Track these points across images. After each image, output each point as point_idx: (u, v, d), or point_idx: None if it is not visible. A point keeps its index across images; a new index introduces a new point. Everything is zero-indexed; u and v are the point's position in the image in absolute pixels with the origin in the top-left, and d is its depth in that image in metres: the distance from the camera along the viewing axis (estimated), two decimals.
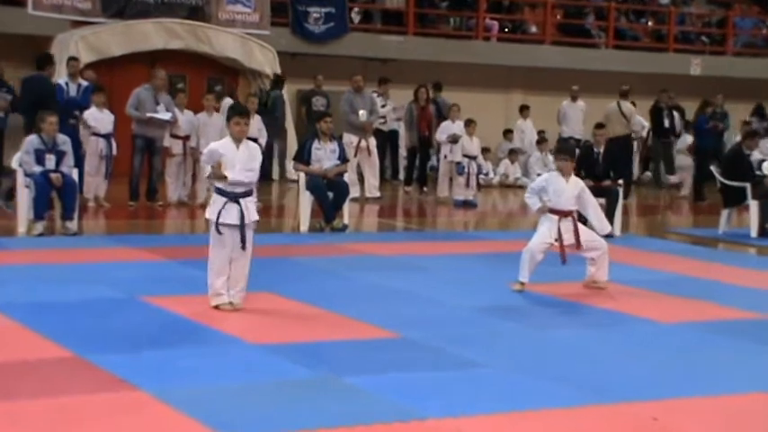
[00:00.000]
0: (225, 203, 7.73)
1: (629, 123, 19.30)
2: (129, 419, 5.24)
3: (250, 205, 7.82)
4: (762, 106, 22.69)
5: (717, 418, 5.68)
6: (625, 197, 19.04)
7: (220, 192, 7.80)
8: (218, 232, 7.75)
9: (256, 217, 7.89)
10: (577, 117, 20.62)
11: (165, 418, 5.27)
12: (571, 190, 9.22)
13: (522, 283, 9.06)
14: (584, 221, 11.42)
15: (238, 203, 7.74)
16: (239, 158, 7.76)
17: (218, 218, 7.71)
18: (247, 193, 7.83)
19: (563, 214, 9.14)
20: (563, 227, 9.09)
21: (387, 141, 19.47)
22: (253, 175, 7.85)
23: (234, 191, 7.77)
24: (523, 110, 21.43)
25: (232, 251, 7.78)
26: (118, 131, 14.83)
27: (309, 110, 19.36)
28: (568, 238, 9.08)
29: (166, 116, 14.63)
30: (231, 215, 7.73)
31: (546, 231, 9.10)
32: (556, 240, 9.05)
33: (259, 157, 7.97)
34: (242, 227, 7.73)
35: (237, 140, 7.84)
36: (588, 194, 9.42)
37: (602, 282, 9.36)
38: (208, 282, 7.84)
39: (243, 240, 7.75)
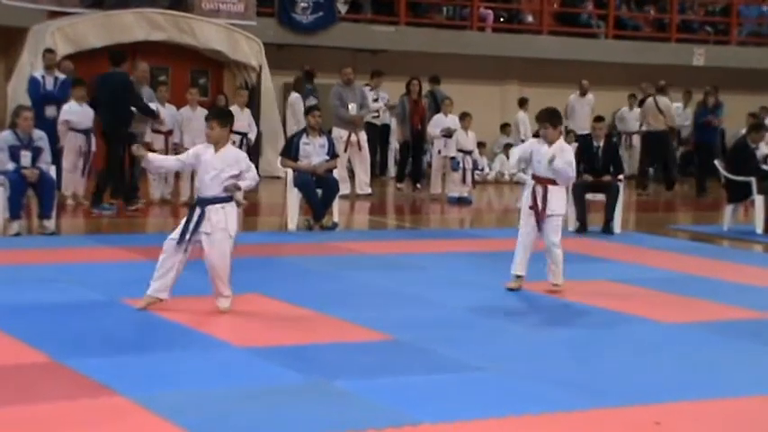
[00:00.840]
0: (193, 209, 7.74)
1: (666, 118, 18.99)
2: (109, 426, 5.17)
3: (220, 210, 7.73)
4: None
5: (721, 422, 5.61)
6: (670, 188, 19.09)
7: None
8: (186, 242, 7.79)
9: (230, 225, 7.75)
10: (585, 112, 19.86)
11: (148, 425, 5.20)
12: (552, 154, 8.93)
13: (519, 276, 8.91)
14: (584, 229, 10.91)
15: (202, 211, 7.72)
16: (213, 164, 7.70)
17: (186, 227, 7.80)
18: (215, 200, 7.72)
19: (539, 181, 8.93)
20: (537, 192, 8.89)
21: (379, 136, 19.06)
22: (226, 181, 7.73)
23: (202, 196, 7.74)
24: (523, 103, 20.92)
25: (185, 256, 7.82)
26: (96, 126, 14.40)
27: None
28: (538, 205, 8.90)
29: (154, 106, 14.30)
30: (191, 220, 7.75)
31: (526, 203, 8.96)
32: (530, 207, 8.89)
33: (240, 162, 7.84)
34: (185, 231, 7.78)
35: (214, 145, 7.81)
36: (565, 153, 8.99)
37: (558, 283, 9.01)
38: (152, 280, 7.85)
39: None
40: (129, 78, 14.09)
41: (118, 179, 13.88)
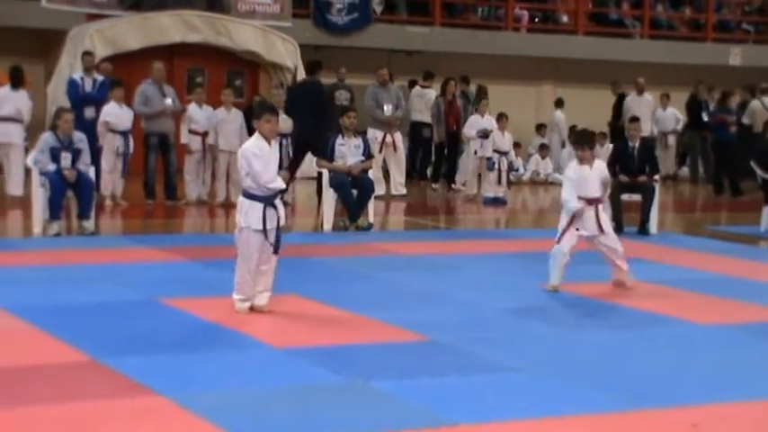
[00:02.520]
0: (264, 209, 7.52)
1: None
2: (148, 425, 5.18)
3: (280, 207, 7.67)
4: None
5: (758, 425, 5.55)
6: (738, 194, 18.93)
7: (254, 197, 7.54)
8: (269, 239, 7.57)
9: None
10: (645, 113, 18.94)
11: (185, 424, 5.21)
12: (595, 176, 9.04)
13: (555, 287, 8.92)
14: (620, 230, 10.99)
15: (274, 207, 7.58)
16: (274, 158, 7.63)
17: (264, 225, 7.52)
18: (276, 195, 7.68)
19: (587, 202, 8.94)
20: (586, 215, 8.91)
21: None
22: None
23: (269, 194, 7.56)
24: (560, 103, 20.80)
25: (261, 255, 7.62)
26: (132, 128, 14.61)
27: (333, 104, 18.92)
28: (591, 228, 8.92)
29: (170, 101, 14.51)
30: (272, 220, 7.56)
31: (570, 226, 8.92)
32: (578, 230, 8.90)
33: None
34: (278, 230, 7.58)
35: (267, 139, 7.64)
36: (604, 171, 9.24)
37: (628, 282, 9.15)
38: (235, 287, 7.68)
39: (278, 244, 7.59)
40: (323, 85, 15.12)
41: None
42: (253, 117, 7.86)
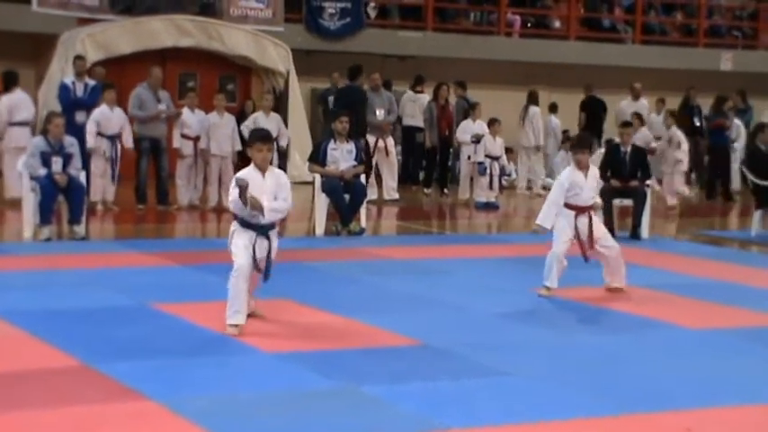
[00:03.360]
0: (255, 238, 7.23)
1: None
2: (139, 430, 5.20)
3: (274, 237, 7.37)
4: None
5: (752, 429, 5.58)
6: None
7: (246, 224, 7.26)
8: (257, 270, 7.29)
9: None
10: None
11: (177, 429, 5.22)
12: (590, 184, 9.05)
13: (549, 288, 8.91)
14: (612, 234, 10.97)
15: (267, 238, 7.29)
16: (266, 190, 7.25)
17: (253, 254, 7.22)
18: (273, 225, 7.37)
19: (580, 210, 8.95)
20: (579, 223, 8.90)
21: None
22: (284, 206, 7.36)
23: (261, 223, 7.26)
24: (554, 108, 20.69)
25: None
26: (125, 132, 14.51)
27: (326, 109, 18.95)
28: (584, 234, 8.92)
29: (164, 106, 14.51)
30: (261, 249, 7.27)
31: (566, 228, 8.90)
32: (573, 238, 8.90)
33: (287, 184, 7.43)
34: (268, 259, 7.29)
35: (262, 170, 7.32)
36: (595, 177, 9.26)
37: (620, 287, 9.16)
38: (229, 311, 7.27)
39: (267, 273, 7.34)
40: (365, 91, 15.44)
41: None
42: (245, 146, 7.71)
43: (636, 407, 5.71)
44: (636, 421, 5.53)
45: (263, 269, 7.29)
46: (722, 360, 6.97)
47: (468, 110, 17.70)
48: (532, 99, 19.29)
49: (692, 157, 20.09)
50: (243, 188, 7.04)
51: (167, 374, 6.14)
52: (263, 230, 7.24)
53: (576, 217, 8.90)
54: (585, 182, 8.97)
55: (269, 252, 7.26)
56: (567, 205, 8.93)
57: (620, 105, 19.31)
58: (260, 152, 7.27)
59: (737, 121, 19.71)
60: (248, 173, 7.25)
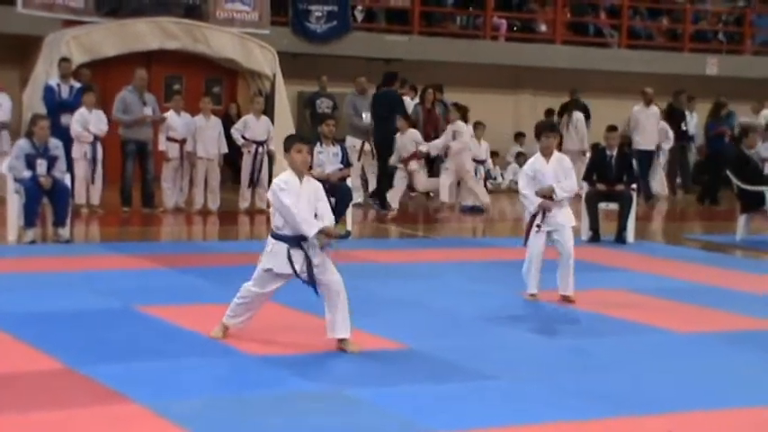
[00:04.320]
0: (288, 251, 6.80)
1: None
2: None
3: (313, 249, 6.84)
4: None
5: None
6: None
7: (279, 237, 6.85)
8: (312, 283, 6.85)
9: (320, 258, 6.92)
10: (652, 125, 18.42)
11: None
12: (553, 169, 8.92)
13: (534, 294, 8.91)
14: (597, 238, 10.95)
15: (302, 248, 6.80)
16: (305, 194, 6.86)
17: (293, 269, 6.81)
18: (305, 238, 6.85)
19: (543, 197, 8.88)
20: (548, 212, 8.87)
21: None
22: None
23: (297, 234, 6.79)
24: (550, 113, 20.60)
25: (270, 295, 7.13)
26: (110, 135, 14.56)
27: (314, 112, 18.96)
28: (551, 222, 8.86)
29: (149, 110, 14.47)
30: (297, 263, 6.81)
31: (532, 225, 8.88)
32: (537, 226, 8.84)
33: (322, 190, 7.04)
34: (310, 273, 6.81)
35: (300, 173, 6.92)
36: (564, 163, 9.06)
37: (569, 294, 8.97)
38: (229, 312, 7.14)
39: (314, 285, 6.84)
40: (399, 96, 16.07)
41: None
42: (284, 150, 7.09)
43: (620, 410, 5.71)
44: (620, 424, 5.53)
45: (308, 280, 6.82)
46: (707, 363, 6.98)
47: (445, 112, 17.82)
48: (574, 105, 19.54)
49: (678, 160, 20.20)
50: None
51: (152, 377, 6.12)
52: (296, 242, 6.79)
53: (541, 204, 8.83)
54: (548, 168, 8.88)
55: (309, 264, 6.79)
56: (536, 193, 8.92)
57: (633, 111, 18.60)
58: (300, 153, 6.84)
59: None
60: (288, 178, 6.86)
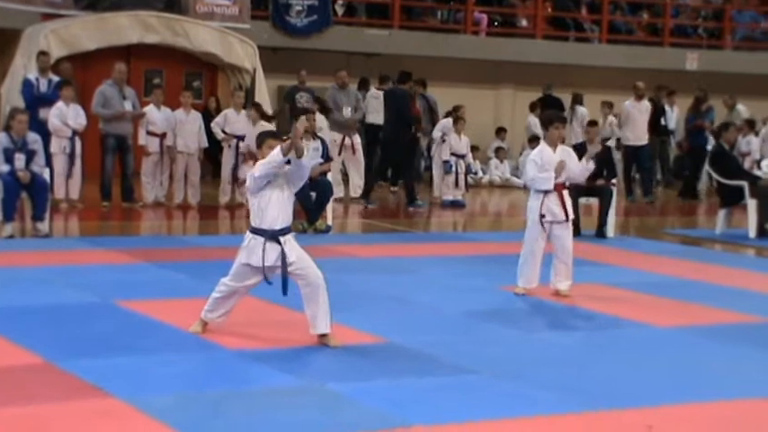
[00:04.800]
0: (264, 243, 6.80)
1: None
2: (102, 428, 5.14)
3: (290, 242, 6.87)
4: None
5: (713, 426, 5.60)
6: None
7: (257, 231, 6.83)
8: (266, 281, 6.90)
9: (297, 253, 6.90)
10: (643, 120, 18.18)
11: (140, 427, 5.18)
12: (560, 159, 8.88)
13: (527, 288, 8.89)
14: (578, 233, 10.94)
15: (279, 243, 6.80)
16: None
17: (263, 262, 6.80)
18: (286, 230, 6.88)
19: (548, 190, 8.82)
20: (548, 201, 8.79)
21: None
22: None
23: (273, 228, 6.81)
24: (534, 107, 20.58)
25: (249, 290, 7.13)
26: (89, 129, 14.44)
27: (293, 106, 18.89)
28: (555, 213, 8.79)
29: (129, 105, 14.42)
30: (269, 257, 6.80)
31: (535, 215, 8.78)
32: (542, 217, 8.76)
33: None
34: (284, 269, 6.82)
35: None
36: (572, 152, 9.12)
37: (565, 290, 8.97)
38: (207, 306, 7.13)
39: (284, 286, 6.85)
40: (409, 94, 16.08)
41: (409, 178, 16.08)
42: (256, 146, 7.15)
43: (599, 404, 5.72)
44: (599, 419, 5.54)
45: (269, 279, 6.87)
46: (686, 357, 6.99)
47: (428, 107, 17.91)
48: (577, 100, 19.73)
49: (658, 155, 20.26)
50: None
51: (131, 372, 6.10)
52: (272, 235, 6.79)
53: (544, 196, 8.80)
54: (555, 158, 8.82)
55: (283, 260, 6.79)
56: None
57: (624, 105, 18.55)
58: (271, 149, 6.76)
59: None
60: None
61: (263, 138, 7.05)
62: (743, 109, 20.38)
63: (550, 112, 9.77)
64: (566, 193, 8.92)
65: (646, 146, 18.34)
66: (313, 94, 18.85)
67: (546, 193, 8.78)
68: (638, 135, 18.14)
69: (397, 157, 16.24)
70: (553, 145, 8.89)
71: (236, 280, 7.00)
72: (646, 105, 18.36)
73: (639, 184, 18.46)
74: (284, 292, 6.87)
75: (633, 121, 18.14)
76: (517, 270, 8.93)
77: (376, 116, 18.28)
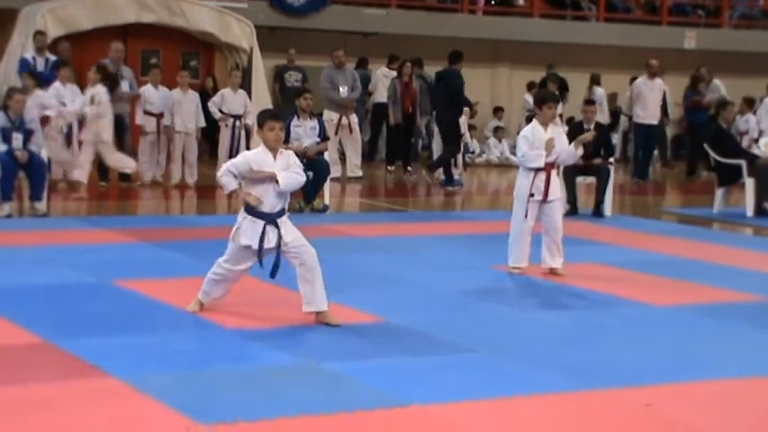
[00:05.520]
0: (264, 227, 6.77)
1: None
2: (101, 407, 5.12)
3: (285, 226, 6.88)
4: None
5: (712, 404, 5.56)
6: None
7: (255, 213, 6.81)
8: (260, 264, 6.87)
9: (293, 234, 6.92)
10: (655, 98, 17.97)
11: (139, 406, 5.16)
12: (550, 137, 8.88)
13: (516, 267, 8.89)
14: (575, 212, 10.85)
15: (277, 226, 6.79)
16: (278, 169, 6.81)
17: (260, 245, 6.76)
18: (282, 212, 6.89)
19: (539, 168, 8.80)
20: (538, 180, 8.77)
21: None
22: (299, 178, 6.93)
23: (272, 212, 6.82)
24: (531, 86, 20.55)
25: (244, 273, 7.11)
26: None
27: (282, 85, 18.86)
28: (540, 192, 8.77)
29: (126, 86, 14.41)
30: (270, 240, 6.79)
31: (524, 194, 8.76)
32: (531, 196, 8.75)
33: (298, 162, 6.98)
34: (278, 251, 6.83)
35: (273, 150, 6.85)
36: (561, 131, 9.17)
37: (560, 268, 8.96)
38: (204, 287, 7.12)
39: (275, 269, 6.88)
40: (459, 75, 15.91)
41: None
42: (257, 126, 7.03)
43: (596, 383, 5.72)
44: (596, 397, 5.54)
45: (262, 259, 6.83)
46: (683, 336, 7.00)
47: (426, 87, 17.82)
48: (595, 80, 19.78)
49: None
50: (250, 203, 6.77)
51: (130, 351, 6.08)
52: (271, 218, 6.79)
53: (534, 176, 8.78)
54: (546, 137, 8.80)
55: (278, 244, 6.79)
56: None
57: (635, 83, 18.37)
58: (272, 131, 6.76)
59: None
60: (258, 155, 6.84)
61: (264, 118, 6.91)
62: (718, 83, 20.26)
63: (544, 91, 9.82)
64: (554, 173, 8.92)
65: (657, 125, 18.28)
66: (304, 73, 18.85)
67: (537, 171, 8.77)
68: (650, 113, 17.94)
69: (456, 139, 16.14)
70: (545, 124, 8.88)
71: (232, 262, 6.97)
72: (658, 84, 18.16)
73: (639, 163, 18.36)
74: (273, 274, 6.87)
75: (645, 100, 17.95)
76: (507, 249, 8.94)
77: (383, 96, 18.25)
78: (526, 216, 8.79)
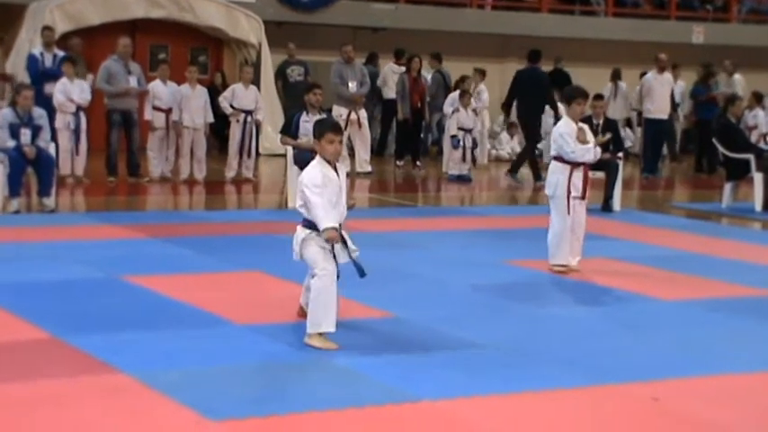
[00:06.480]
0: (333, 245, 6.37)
1: None
2: (110, 403, 5.12)
3: (348, 238, 6.54)
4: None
5: (720, 399, 5.56)
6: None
7: (314, 227, 6.36)
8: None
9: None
10: (665, 93, 17.86)
11: (149, 402, 5.16)
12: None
13: (562, 266, 8.80)
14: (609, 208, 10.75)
15: (344, 240, 6.46)
16: (341, 185, 6.42)
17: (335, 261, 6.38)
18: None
19: (576, 164, 8.75)
20: (574, 178, 8.74)
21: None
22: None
23: (341, 221, 6.42)
24: (618, 75, 20.46)
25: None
26: (95, 104, 14.44)
27: (285, 81, 18.84)
28: (578, 190, 8.77)
29: (134, 81, 14.33)
30: (341, 256, 6.45)
31: (561, 192, 8.70)
32: (569, 192, 8.73)
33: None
34: (357, 263, 6.47)
35: (330, 163, 6.40)
36: (590, 133, 9.08)
37: (574, 266, 8.94)
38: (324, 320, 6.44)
39: (361, 270, 6.48)
40: (544, 74, 16.34)
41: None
42: (314, 135, 6.56)
43: (605, 378, 5.73)
44: (605, 392, 5.54)
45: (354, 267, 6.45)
46: (692, 330, 7.00)
47: (444, 83, 17.78)
48: (618, 75, 19.88)
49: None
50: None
51: (139, 347, 6.09)
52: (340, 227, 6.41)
53: (571, 172, 8.73)
54: (575, 132, 8.75)
55: (349, 253, 6.45)
56: (560, 159, 8.78)
57: (645, 78, 18.29)
58: (331, 144, 6.33)
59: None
60: (321, 170, 6.33)
61: (324, 129, 6.42)
62: (739, 78, 20.23)
63: (573, 87, 9.69)
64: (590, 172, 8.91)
65: (667, 120, 18.24)
66: (306, 67, 18.82)
67: (573, 168, 8.71)
68: (660, 108, 17.84)
69: (535, 136, 16.43)
70: (574, 120, 8.84)
71: (327, 261, 6.43)
72: (668, 78, 18.11)
73: (649, 158, 18.29)
74: (362, 274, 6.50)
75: (654, 94, 17.86)
76: (549, 247, 8.82)
77: (392, 92, 18.23)
78: (569, 213, 8.75)
